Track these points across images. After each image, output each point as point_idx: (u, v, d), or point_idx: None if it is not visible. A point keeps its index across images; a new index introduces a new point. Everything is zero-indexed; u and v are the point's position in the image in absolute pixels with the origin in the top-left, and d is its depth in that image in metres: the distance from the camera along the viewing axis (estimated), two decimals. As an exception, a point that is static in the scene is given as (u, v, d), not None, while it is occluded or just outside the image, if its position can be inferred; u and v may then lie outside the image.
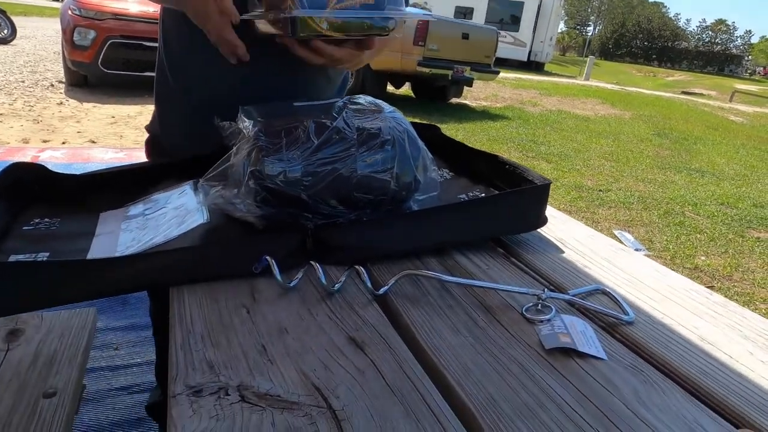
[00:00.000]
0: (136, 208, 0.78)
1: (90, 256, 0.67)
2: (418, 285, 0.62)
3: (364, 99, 0.77)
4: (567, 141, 6.24)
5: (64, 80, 5.96)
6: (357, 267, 0.60)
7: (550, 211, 0.85)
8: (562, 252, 0.78)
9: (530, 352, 0.52)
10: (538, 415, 0.43)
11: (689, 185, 4.90)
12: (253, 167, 0.64)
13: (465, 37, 6.94)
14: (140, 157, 0.99)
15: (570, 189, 4.20)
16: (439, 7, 15.68)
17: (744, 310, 0.66)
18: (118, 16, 5.29)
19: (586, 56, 32.68)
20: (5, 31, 8.51)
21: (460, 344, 0.52)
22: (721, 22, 76.61)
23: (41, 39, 9.93)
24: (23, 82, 5.87)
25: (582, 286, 0.66)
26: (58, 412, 0.77)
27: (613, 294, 0.65)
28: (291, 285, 0.58)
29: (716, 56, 68.31)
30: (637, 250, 3.04)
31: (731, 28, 76.60)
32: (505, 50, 17.87)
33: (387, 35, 0.77)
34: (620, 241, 3.06)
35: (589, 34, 75.64)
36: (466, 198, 0.85)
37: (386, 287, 0.59)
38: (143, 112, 5.03)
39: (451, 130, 5.83)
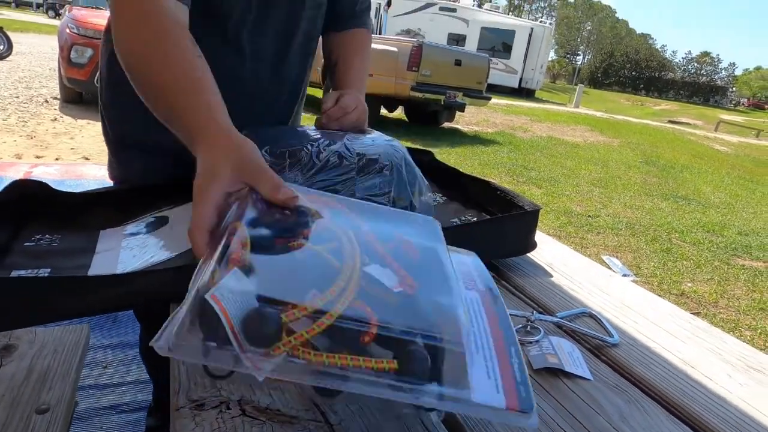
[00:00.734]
0: (136, 226, 0.80)
1: (91, 272, 0.68)
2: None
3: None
4: (557, 167, 6.34)
5: (58, 97, 5.99)
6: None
7: (539, 236, 0.88)
8: (551, 276, 0.80)
9: (519, 371, 0.54)
10: None
11: (676, 212, 4.98)
12: None
13: (458, 63, 7.09)
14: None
15: (559, 214, 4.26)
16: (432, 34, 16.01)
17: (724, 334, 0.69)
18: (115, 36, 5.34)
19: (576, 84, 33.37)
20: (1, 47, 8.55)
21: (452, 363, 0.54)
22: (705, 54, 78.78)
23: (37, 55, 9.97)
24: (18, 97, 5.88)
25: (570, 309, 0.69)
26: (51, 428, 0.77)
27: (599, 317, 0.67)
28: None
29: (702, 87, 70.03)
30: (625, 275, 3.08)
31: (715, 60, 78.78)
32: (496, 77, 18.22)
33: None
34: (609, 267, 3.10)
35: (579, 62, 77.40)
36: (459, 222, 0.87)
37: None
38: (137, 130, 5.03)
39: (444, 154, 5.91)
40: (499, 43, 21.72)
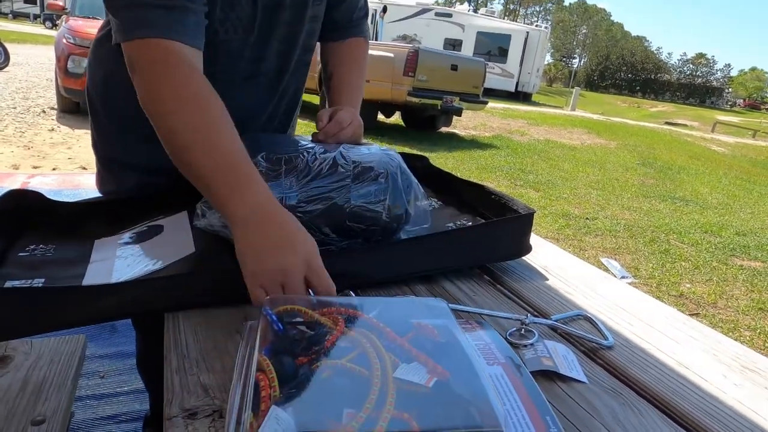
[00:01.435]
0: (131, 236, 0.80)
1: (85, 282, 0.68)
2: (407, 311, 0.64)
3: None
4: (554, 170, 6.35)
5: (56, 107, 5.99)
6: (347, 293, 0.62)
7: (535, 239, 0.88)
8: (546, 279, 0.80)
9: (514, 375, 0.54)
10: (521, 435, 0.45)
11: (674, 213, 4.99)
12: None
13: (454, 68, 7.11)
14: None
15: (558, 217, 4.26)
16: (429, 40, 16.08)
17: (719, 335, 0.69)
18: (112, 46, 5.35)
19: (572, 87, 33.50)
20: (-1, 58, 8.56)
21: (446, 368, 0.54)
22: (701, 56, 79.17)
23: (34, 66, 9.98)
24: (15, 108, 5.89)
25: (564, 312, 0.69)
26: (46, 439, 0.77)
27: (594, 320, 0.68)
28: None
29: (698, 88, 70.36)
30: (623, 277, 3.08)
31: (711, 61, 79.18)
32: (493, 81, 18.28)
33: None
34: (607, 269, 3.10)
35: (575, 66, 77.75)
36: (454, 226, 0.88)
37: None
38: (135, 139, 5.03)
39: (441, 158, 5.92)
40: (495, 47, 21.81)
